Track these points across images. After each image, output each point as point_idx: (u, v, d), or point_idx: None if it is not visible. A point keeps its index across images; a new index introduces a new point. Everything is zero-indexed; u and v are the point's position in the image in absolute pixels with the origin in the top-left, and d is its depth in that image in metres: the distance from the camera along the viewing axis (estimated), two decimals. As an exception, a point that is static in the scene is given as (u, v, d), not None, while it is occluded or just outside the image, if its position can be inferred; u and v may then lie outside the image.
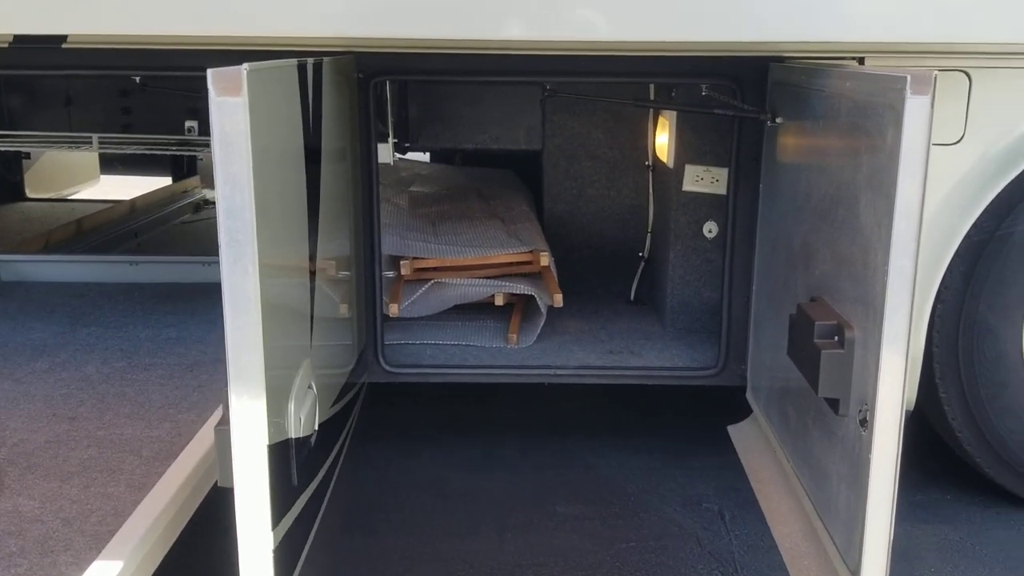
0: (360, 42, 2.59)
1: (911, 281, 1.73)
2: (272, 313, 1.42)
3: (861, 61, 2.64)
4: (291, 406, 1.52)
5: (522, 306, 3.48)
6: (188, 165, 5.48)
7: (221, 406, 1.51)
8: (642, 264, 3.88)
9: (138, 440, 2.26)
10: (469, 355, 3.19)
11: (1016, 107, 2.63)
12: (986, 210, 2.64)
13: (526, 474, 3.19)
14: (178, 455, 2.14)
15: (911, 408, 2.86)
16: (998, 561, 2.76)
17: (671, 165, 3.41)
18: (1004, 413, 2.81)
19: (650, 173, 3.82)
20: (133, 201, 4.84)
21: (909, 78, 1.63)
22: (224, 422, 1.45)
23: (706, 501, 3.06)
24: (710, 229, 3.42)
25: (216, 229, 1.32)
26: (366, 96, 2.79)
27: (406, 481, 3.11)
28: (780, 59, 2.70)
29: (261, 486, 1.39)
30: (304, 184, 1.99)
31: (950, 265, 2.68)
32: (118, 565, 1.68)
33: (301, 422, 1.56)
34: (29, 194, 5.19)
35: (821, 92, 2.19)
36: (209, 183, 5.60)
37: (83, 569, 1.70)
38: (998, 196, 2.63)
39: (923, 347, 2.74)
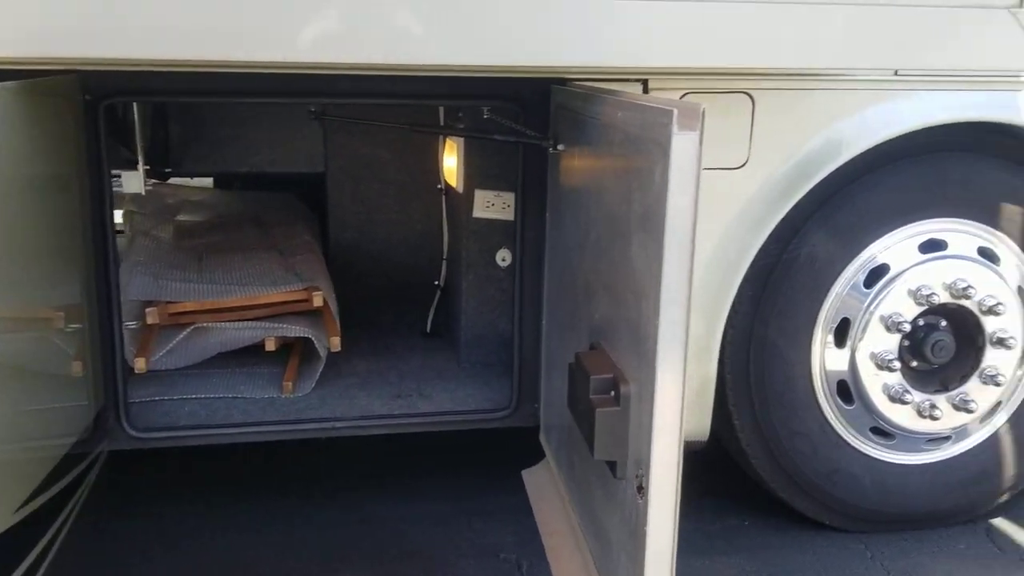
0: (83, 61, 2.18)
1: (683, 336, 1.55)
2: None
3: (645, 83, 2.51)
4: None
5: (300, 349, 3.15)
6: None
7: None
8: (438, 293, 3.64)
9: None
10: (236, 410, 2.82)
11: (799, 129, 2.58)
12: (772, 233, 2.58)
13: (305, 535, 2.87)
14: None
15: (705, 438, 2.76)
16: (798, 587, 2.71)
17: (460, 190, 3.18)
18: (795, 436, 2.77)
19: (443, 197, 3.58)
20: None
21: (676, 112, 1.45)
22: None
23: (504, 551, 2.85)
24: (504, 257, 3.22)
25: None
26: (95, 120, 2.39)
27: (163, 558, 2.70)
28: (562, 81, 2.52)
29: None
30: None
31: (739, 289, 2.61)
32: None
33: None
34: None
35: (596, 120, 2.01)
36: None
37: None
38: (783, 219, 2.58)
39: (715, 372, 2.66)
